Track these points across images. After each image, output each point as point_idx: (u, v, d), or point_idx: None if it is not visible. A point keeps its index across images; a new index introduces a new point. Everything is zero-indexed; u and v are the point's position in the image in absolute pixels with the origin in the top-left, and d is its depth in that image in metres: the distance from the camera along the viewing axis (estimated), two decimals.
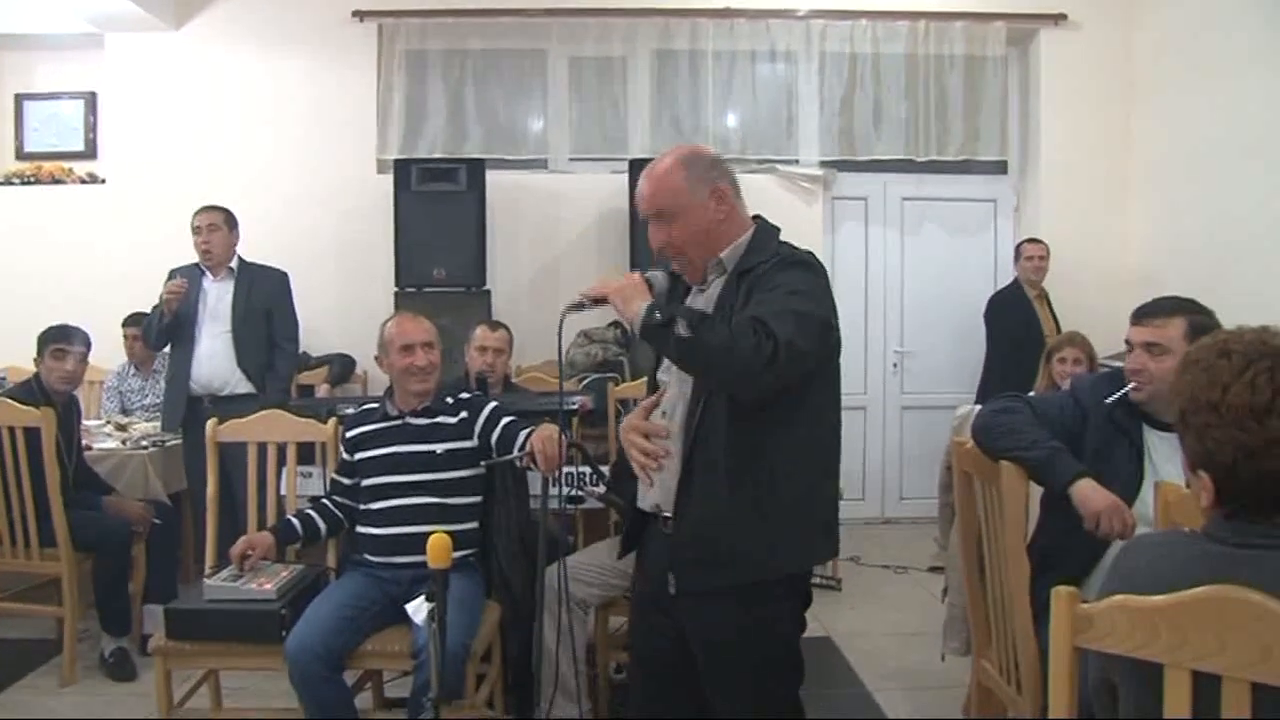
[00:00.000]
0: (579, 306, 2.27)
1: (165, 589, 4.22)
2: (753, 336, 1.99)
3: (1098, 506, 2.47)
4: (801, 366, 2.08)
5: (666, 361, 2.35)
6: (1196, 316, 2.63)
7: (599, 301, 2.22)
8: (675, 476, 2.25)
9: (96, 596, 4.11)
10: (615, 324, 5.50)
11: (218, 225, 4.92)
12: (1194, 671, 1.34)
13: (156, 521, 4.30)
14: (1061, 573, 2.57)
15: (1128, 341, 2.72)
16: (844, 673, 4.15)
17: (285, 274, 5.11)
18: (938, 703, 3.76)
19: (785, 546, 2.21)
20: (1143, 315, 2.69)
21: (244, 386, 4.89)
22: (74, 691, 3.94)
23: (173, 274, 4.88)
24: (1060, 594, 1.46)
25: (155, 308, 4.88)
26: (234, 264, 4.99)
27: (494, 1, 6.33)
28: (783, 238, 2.36)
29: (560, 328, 2.29)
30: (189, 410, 4.82)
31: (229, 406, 4.46)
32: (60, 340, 4.22)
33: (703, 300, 2.33)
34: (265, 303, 4.97)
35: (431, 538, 2.15)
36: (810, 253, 2.30)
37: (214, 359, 4.88)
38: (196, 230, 4.90)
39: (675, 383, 2.32)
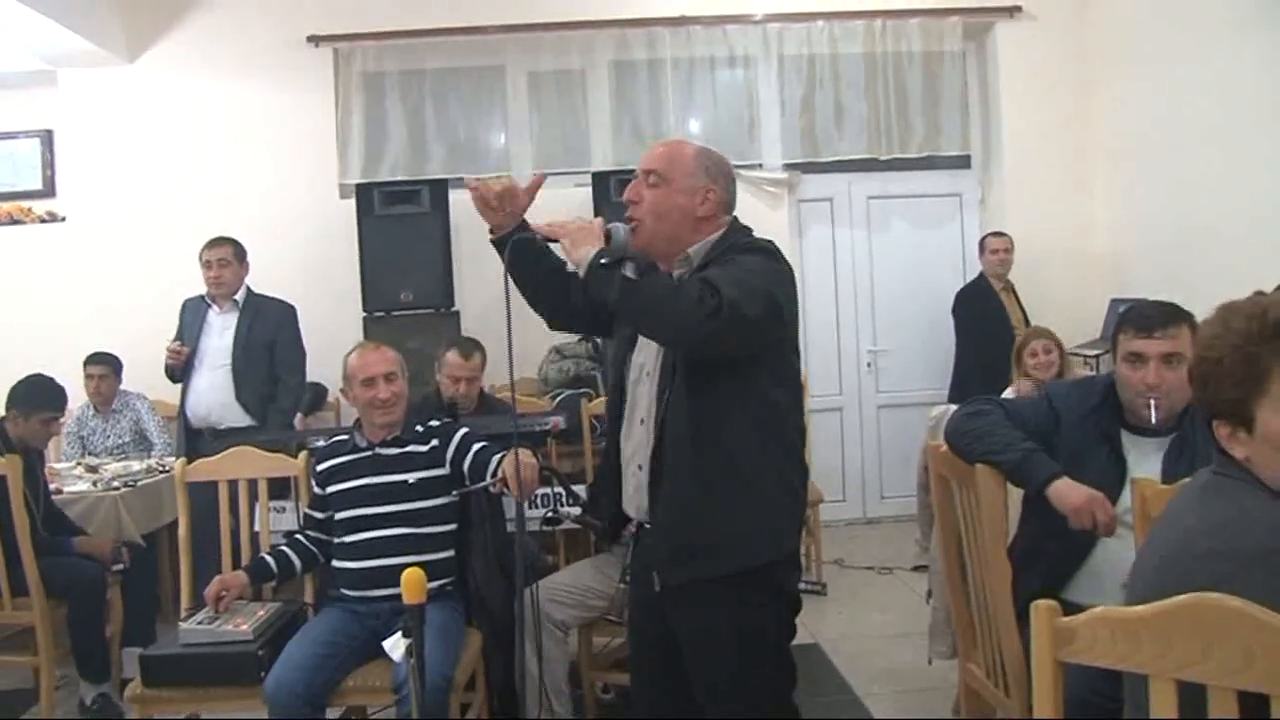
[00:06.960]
0: (530, 241, 2.31)
1: (143, 631, 4.16)
2: (698, 290, 2.05)
3: (1076, 502, 2.46)
4: (745, 332, 2.11)
5: (636, 372, 2.39)
6: (1192, 319, 2.54)
7: (550, 240, 2.28)
8: (646, 478, 2.32)
9: (73, 642, 4.03)
10: (586, 339, 5.47)
11: (228, 260, 4.95)
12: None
13: (121, 566, 4.18)
14: (1043, 574, 2.58)
15: (1136, 355, 2.56)
16: (832, 677, 4.13)
17: (291, 306, 5.13)
18: (927, 705, 3.75)
19: (754, 536, 2.25)
20: (1152, 327, 2.54)
21: (243, 420, 4.86)
22: None
23: (186, 305, 4.97)
24: (1040, 608, 1.43)
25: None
26: (239, 296, 4.97)
27: (449, 20, 6.26)
28: None
29: (507, 262, 2.38)
30: (189, 443, 4.79)
31: (229, 440, 4.39)
32: (45, 409, 4.13)
33: None
34: (268, 335, 4.98)
35: (405, 573, 2.12)
36: (771, 241, 2.34)
37: (212, 391, 4.87)
38: (207, 265, 4.91)
39: (645, 390, 2.34)
